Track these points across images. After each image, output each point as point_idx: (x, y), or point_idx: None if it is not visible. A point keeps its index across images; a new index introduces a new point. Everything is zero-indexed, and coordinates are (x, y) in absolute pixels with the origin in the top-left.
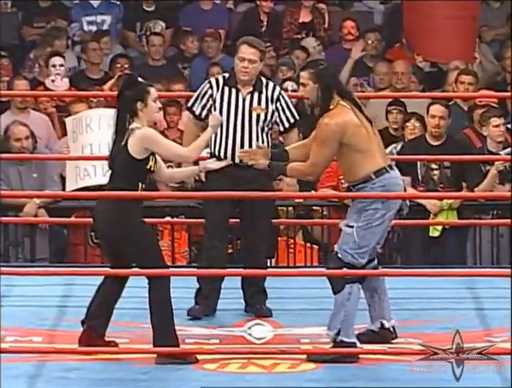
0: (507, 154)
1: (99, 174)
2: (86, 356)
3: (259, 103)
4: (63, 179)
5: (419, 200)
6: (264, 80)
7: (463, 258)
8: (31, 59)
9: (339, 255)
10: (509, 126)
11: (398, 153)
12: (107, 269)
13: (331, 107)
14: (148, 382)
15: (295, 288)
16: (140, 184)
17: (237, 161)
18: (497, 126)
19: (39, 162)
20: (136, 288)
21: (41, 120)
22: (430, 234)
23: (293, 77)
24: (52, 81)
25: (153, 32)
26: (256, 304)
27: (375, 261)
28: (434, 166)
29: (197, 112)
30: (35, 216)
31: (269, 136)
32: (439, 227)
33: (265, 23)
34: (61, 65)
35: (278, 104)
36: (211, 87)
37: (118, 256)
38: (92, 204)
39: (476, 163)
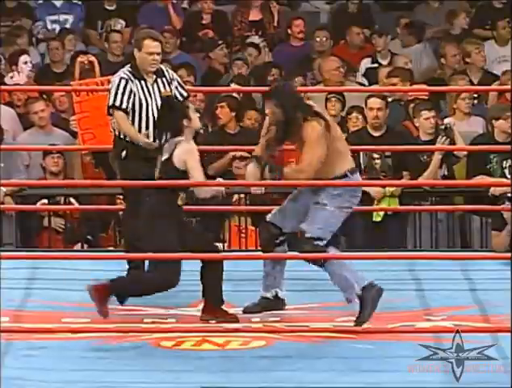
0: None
1: None
2: (49, 335)
3: (164, 87)
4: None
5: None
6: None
7: (403, 241)
8: None
9: None
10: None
11: None
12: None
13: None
14: (109, 359)
15: (247, 271)
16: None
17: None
18: (427, 119)
19: (5, 152)
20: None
21: (8, 114)
22: (374, 219)
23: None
24: (11, 77)
25: (113, 30)
26: None
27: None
28: (375, 155)
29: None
30: (2, 203)
31: None
32: (381, 213)
33: (208, 23)
34: (25, 63)
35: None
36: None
37: None
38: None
39: (414, 152)
